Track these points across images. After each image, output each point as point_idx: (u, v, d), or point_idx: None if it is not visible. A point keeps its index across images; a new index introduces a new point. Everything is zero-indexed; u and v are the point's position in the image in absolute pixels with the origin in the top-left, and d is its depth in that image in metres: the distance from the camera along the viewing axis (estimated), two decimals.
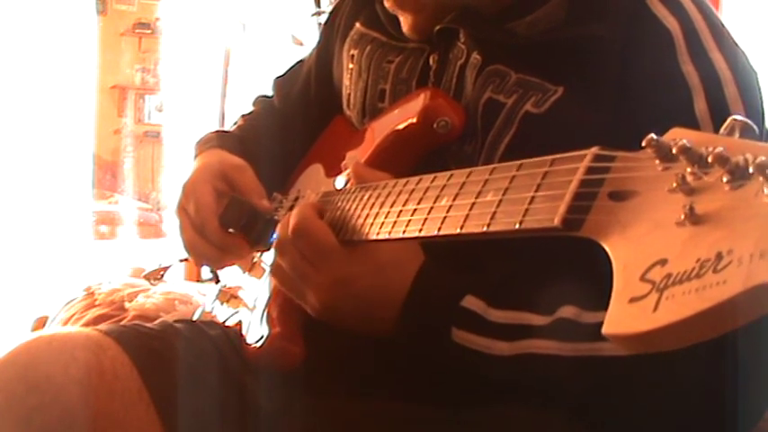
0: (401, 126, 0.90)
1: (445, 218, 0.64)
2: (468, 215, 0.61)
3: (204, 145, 1.12)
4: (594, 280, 0.47)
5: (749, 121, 0.48)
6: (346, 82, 1.04)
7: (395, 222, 0.71)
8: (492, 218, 0.58)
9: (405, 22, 0.93)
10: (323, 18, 3.33)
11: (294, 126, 1.17)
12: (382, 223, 0.73)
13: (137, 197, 6.34)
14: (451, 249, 0.77)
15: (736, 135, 0.48)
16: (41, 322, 2.13)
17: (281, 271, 0.84)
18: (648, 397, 0.72)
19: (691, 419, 0.72)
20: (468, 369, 0.76)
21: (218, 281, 1.12)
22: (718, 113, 0.76)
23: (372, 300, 0.79)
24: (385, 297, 0.79)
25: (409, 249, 0.80)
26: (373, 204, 0.76)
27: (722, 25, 0.84)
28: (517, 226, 0.55)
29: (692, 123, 0.76)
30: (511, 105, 0.84)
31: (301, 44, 3.83)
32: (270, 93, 1.27)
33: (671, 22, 0.81)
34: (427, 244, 0.80)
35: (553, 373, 0.73)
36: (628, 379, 0.71)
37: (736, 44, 0.83)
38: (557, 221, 0.51)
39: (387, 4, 0.94)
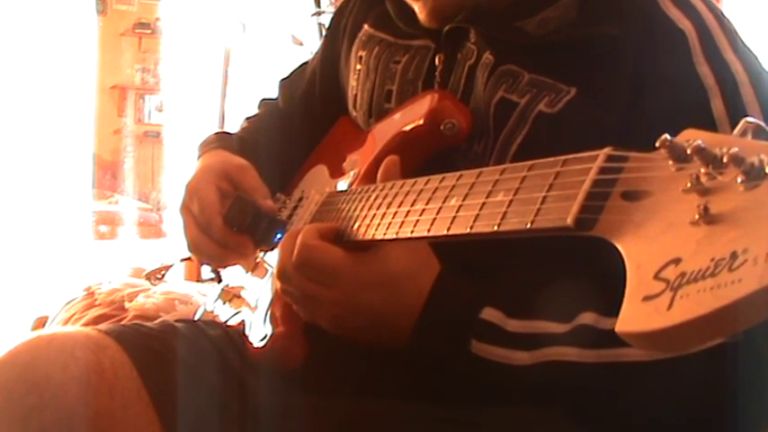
0: (408, 128, 0.90)
1: (454, 218, 0.63)
2: (478, 215, 0.61)
3: (207, 146, 1.13)
4: (612, 285, 0.47)
5: (762, 124, 0.48)
6: (353, 83, 1.04)
7: (402, 222, 0.71)
8: (503, 217, 0.58)
9: (423, 8, 0.93)
10: (323, 18, 3.34)
11: (298, 127, 1.17)
12: (389, 223, 0.73)
13: (137, 197, 6.35)
14: (465, 257, 0.77)
15: (749, 137, 0.48)
16: (41, 322, 2.12)
17: (289, 294, 0.84)
18: (667, 400, 0.72)
19: (706, 421, 0.72)
20: (488, 379, 0.76)
21: (220, 280, 1.12)
22: (736, 115, 0.76)
23: (387, 311, 0.78)
24: (400, 308, 0.78)
25: (422, 259, 0.80)
26: (380, 205, 0.76)
27: (734, 28, 0.83)
28: (528, 225, 0.55)
29: (709, 124, 0.76)
30: (524, 105, 0.84)
31: (301, 44, 3.83)
32: (273, 94, 1.27)
33: (685, 25, 0.81)
34: (440, 252, 0.80)
35: (575, 379, 0.73)
36: (650, 383, 0.71)
37: (747, 46, 0.83)
38: (569, 221, 0.51)
39: None
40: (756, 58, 0.83)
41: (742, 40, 0.83)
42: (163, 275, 2.01)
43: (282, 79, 1.26)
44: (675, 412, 0.72)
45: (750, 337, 0.45)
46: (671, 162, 0.48)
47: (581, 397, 0.74)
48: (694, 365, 0.67)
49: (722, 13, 0.84)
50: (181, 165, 5.83)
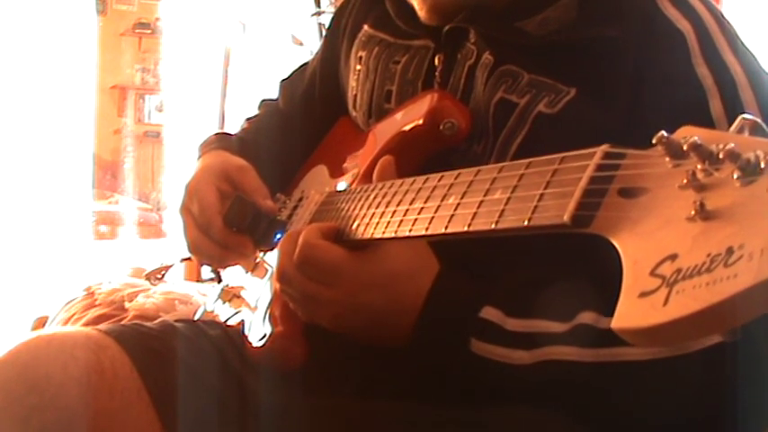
0: (407, 127, 0.90)
1: (453, 216, 0.64)
2: (476, 213, 0.61)
3: (207, 147, 1.13)
4: (611, 284, 0.47)
5: (759, 120, 0.48)
6: (353, 83, 1.04)
7: (401, 221, 0.71)
8: (500, 215, 0.58)
9: (422, 5, 0.93)
10: (323, 18, 3.34)
11: (298, 127, 1.17)
12: (388, 222, 0.73)
13: (137, 197, 6.35)
14: (464, 257, 0.77)
15: (746, 134, 0.48)
16: (41, 322, 2.12)
17: (288, 295, 0.84)
18: (667, 399, 0.71)
19: (706, 420, 0.72)
20: (487, 379, 0.76)
21: (220, 280, 1.12)
22: (734, 116, 0.76)
23: (387, 311, 0.78)
24: (399, 307, 0.78)
25: (422, 258, 0.80)
26: (379, 204, 0.76)
27: (733, 29, 0.83)
28: (526, 223, 0.55)
29: (708, 125, 0.75)
30: (523, 106, 0.84)
31: (301, 44, 3.83)
32: (273, 94, 1.27)
33: (684, 25, 0.81)
34: (440, 251, 0.80)
35: (575, 379, 0.73)
36: (649, 383, 0.71)
37: (747, 47, 0.83)
38: (566, 218, 0.51)
39: None
40: (755, 59, 0.83)
41: (741, 41, 0.83)
42: (163, 275, 2.01)
43: (282, 80, 1.26)
44: (675, 412, 0.72)
45: (749, 336, 0.45)
46: (668, 159, 0.48)
47: (581, 396, 0.74)
48: (694, 365, 0.67)
49: (721, 14, 0.84)
50: (181, 165, 5.83)
